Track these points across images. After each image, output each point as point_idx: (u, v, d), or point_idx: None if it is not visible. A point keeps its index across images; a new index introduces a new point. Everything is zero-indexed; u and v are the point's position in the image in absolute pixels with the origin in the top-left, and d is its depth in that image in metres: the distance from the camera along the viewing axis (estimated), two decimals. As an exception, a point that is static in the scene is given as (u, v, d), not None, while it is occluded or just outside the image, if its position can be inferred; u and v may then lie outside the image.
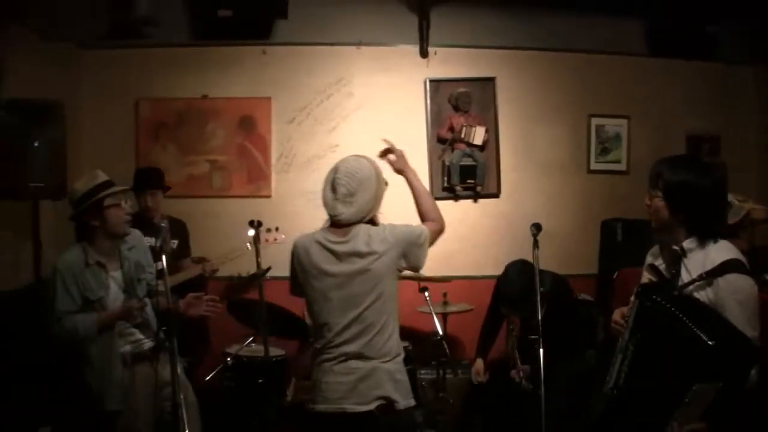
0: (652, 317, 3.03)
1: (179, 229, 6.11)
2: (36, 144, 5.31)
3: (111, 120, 6.96)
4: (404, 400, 3.67)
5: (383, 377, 3.63)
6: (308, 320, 4.00)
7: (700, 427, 2.85)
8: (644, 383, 3.00)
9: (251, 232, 5.83)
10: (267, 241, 6.16)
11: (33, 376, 5.10)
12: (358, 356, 3.60)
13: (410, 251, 3.65)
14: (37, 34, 6.33)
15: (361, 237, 3.61)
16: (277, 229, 5.97)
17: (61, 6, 6.41)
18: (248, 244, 6.03)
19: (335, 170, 3.73)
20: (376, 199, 3.71)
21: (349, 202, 3.61)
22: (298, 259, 3.73)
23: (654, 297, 3.05)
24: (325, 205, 3.71)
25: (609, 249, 7.04)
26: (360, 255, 3.59)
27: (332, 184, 3.66)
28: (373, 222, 3.74)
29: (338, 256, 3.61)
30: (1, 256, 5.71)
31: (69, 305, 4.20)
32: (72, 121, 6.01)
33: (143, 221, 5.23)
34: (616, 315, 3.51)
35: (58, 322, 4.20)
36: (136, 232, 4.55)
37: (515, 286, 5.27)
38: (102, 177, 4.39)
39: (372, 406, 3.58)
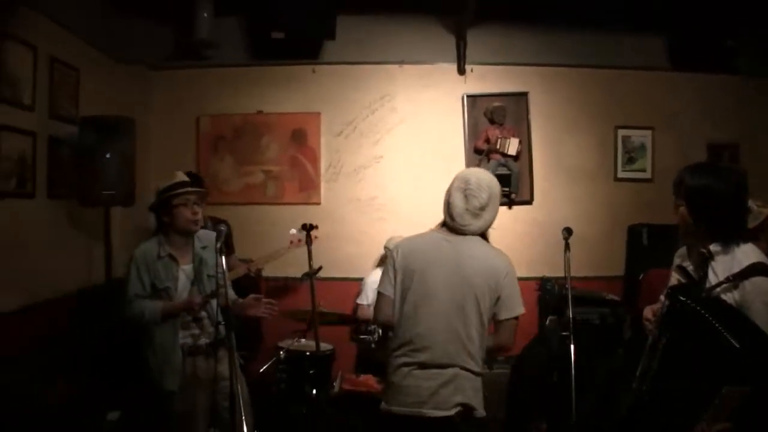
0: (681, 318, 2.97)
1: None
2: (108, 156, 5.47)
3: (175, 134, 7.12)
4: (481, 408, 3.66)
5: (465, 384, 3.62)
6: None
7: (726, 427, 2.81)
8: (672, 383, 2.96)
9: (292, 232, 6.02)
10: (291, 243, 6.15)
11: (104, 365, 5.31)
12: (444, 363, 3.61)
13: (501, 305, 3.68)
14: (112, 57, 6.57)
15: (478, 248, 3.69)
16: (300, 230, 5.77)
17: (133, 32, 6.69)
18: (290, 243, 6.09)
19: (466, 181, 3.70)
20: (496, 216, 3.76)
21: (479, 215, 3.65)
22: (400, 259, 3.75)
23: (683, 298, 2.98)
24: (453, 212, 3.69)
25: (635, 252, 7.03)
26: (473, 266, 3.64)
27: (464, 194, 3.65)
28: (484, 236, 3.78)
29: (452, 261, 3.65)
30: (76, 257, 5.90)
31: (139, 290, 4.41)
32: (141, 134, 6.13)
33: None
34: (647, 312, 3.52)
35: (128, 304, 4.40)
36: (210, 234, 4.63)
37: None
38: (180, 177, 4.58)
39: (452, 412, 3.57)
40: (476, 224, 3.67)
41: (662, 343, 3.04)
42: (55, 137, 5.55)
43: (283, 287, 6.86)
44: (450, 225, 3.73)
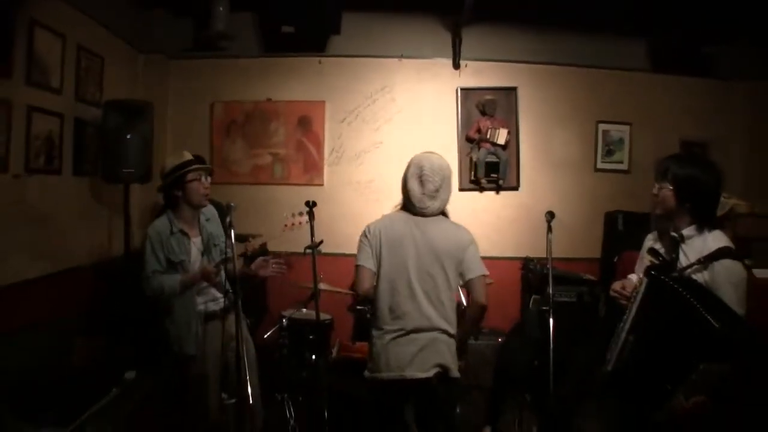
0: (659, 295, 3.10)
1: (221, 210, 5.98)
2: (129, 137, 5.53)
3: (190, 118, 7.25)
4: (456, 369, 3.79)
5: (442, 346, 3.76)
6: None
7: (702, 399, 2.95)
8: (649, 358, 3.09)
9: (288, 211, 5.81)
10: (286, 227, 5.97)
11: (124, 330, 5.39)
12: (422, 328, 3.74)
13: (465, 266, 3.82)
14: (134, 47, 6.68)
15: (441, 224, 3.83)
16: (300, 213, 5.73)
17: (154, 23, 6.83)
18: (284, 227, 5.97)
19: (420, 167, 3.82)
20: (450, 193, 3.88)
21: (435, 197, 3.77)
22: (378, 235, 3.84)
23: (663, 277, 3.12)
24: (412, 197, 3.81)
25: (611, 237, 7.08)
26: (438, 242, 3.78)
27: (420, 180, 3.77)
28: (444, 214, 3.92)
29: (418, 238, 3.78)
30: (98, 229, 6.00)
31: (156, 266, 4.40)
32: (159, 118, 6.27)
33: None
34: (616, 285, 3.61)
35: (146, 280, 4.39)
36: (211, 208, 4.76)
37: None
38: (188, 156, 4.64)
39: (431, 373, 3.71)
40: (434, 205, 3.79)
41: (641, 318, 3.22)
42: (80, 119, 5.64)
43: (285, 262, 6.90)
44: (411, 209, 3.85)
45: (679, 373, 2.95)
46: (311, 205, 5.16)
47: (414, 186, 3.81)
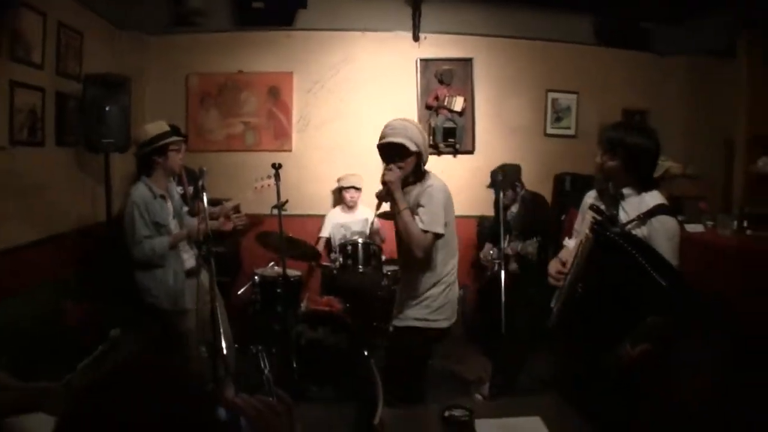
0: (606, 250, 3.13)
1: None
2: (108, 109, 5.53)
3: (167, 90, 7.22)
4: None
5: None
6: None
7: (646, 348, 3.09)
8: (596, 309, 3.17)
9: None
10: (257, 189, 6.25)
11: (108, 290, 5.40)
12: None
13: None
14: (113, 23, 6.67)
15: None
16: (269, 176, 5.74)
17: (131, 2, 6.81)
18: (255, 189, 6.23)
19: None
20: None
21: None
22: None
23: (609, 233, 3.14)
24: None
25: (560, 196, 7.23)
26: None
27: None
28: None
29: None
30: (82, 197, 6.03)
31: (145, 231, 4.41)
32: (137, 91, 6.30)
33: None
34: (552, 270, 3.67)
35: (138, 245, 4.40)
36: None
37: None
38: (167, 126, 4.69)
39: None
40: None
41: (587, 270, 3.26)
42: (61, 93, 5.62)
43: (255, 223, 6.98)
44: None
45: (623, 323, 3.05)
46: (277, 167, 5.23)
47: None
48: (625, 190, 3.40)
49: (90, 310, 5.20)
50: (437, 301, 3.98)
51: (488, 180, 5.67)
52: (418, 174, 3.92)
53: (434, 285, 3.98)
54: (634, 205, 3.36)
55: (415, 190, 3.91)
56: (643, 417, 3.41)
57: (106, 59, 6.45)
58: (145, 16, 7.04)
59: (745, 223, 5.45)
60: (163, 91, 7.23)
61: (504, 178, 5.37)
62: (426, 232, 3.73)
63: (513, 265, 5.58)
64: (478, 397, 5.13)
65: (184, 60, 7.30)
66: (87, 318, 5.10)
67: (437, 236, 3.80)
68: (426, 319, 3.97)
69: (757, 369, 3.96)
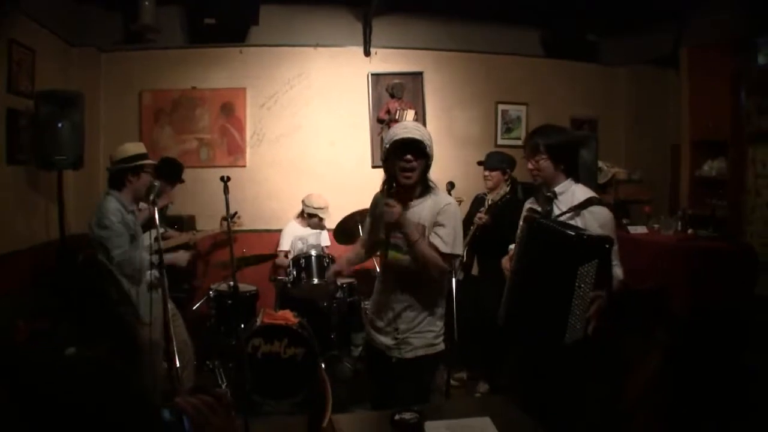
0: (534, 235, 3.39)
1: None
2: (60, 126, 5.45)
3: (120, 107, 7.10)
4: None
5: None
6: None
7: (600, 294, 3.18)
8: (537, 274, 3.34)
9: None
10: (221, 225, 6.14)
11: (63, 308, 5.30)
12: None
13: None
14: (66, 41, 6.62)
15: None
16: (238, 216, 6.10)
17: (85, 18, 6.77)
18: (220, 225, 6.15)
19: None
20: None
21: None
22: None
23: (536, 219, 3.44)
24: None
25: None
26: None
27: None
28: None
29: None
30: (35, 215, 5.93)
31: (126, 244, 4.35)
32: (91, 107, 6.20)
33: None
34: (506, 263, 3.79)
35: (128, 258, 4.34)
36: None
37: None
38: (144, 149, 4.67)
39: None
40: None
41: (521, 260, 3.48)
42: (13, 110, 5.53)
43: (212, 243, 6.98)
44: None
45: (564, 281, 3.13)
46: (225, 180, 5.17)
47: None
48: (557, 188, 3.59)
49: (45, 328, 5.10)
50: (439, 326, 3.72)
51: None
52: (425, 185, 3.67)
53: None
54: (566, 200, 3.55)
55: (425, 204, 3.63)
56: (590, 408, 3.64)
57: (59, 76, 6.39)
58: (97, 33, 6.98)
59: (687, 224, 5.61)
60: (117, 107, 7.14)
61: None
62: (447, 254, 3.49)
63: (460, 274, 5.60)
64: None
65: (137, 76, 7.19)
66: (41, 337, 5.00)
67: (456, 257, 3.65)
68: (432, 344, 3.65)
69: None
